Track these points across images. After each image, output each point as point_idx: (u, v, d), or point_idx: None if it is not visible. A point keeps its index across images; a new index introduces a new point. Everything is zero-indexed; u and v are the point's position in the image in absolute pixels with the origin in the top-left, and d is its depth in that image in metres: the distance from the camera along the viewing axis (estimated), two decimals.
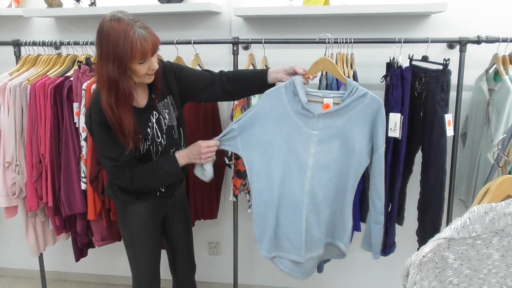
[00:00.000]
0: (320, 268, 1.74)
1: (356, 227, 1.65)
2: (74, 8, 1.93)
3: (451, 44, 1.80)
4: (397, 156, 1.61)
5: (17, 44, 1.90)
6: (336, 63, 1.66)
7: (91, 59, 1.78)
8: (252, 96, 1.69)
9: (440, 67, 1.57)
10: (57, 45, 1.88)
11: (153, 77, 1.29)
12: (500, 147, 0.93)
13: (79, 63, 1.73)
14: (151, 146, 1.35)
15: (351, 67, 1.66)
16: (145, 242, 1.41)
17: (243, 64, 1.82)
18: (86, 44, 1.80)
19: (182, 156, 1.38)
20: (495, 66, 1.65)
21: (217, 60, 1.98)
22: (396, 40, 1.62)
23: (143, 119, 1.32)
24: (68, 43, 1.82)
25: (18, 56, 1.91)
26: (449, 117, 1.54)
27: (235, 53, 1.77)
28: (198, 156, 1.37)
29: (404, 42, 1.61)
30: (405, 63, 1.60)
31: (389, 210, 1.70)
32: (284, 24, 1.92)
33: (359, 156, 1.36)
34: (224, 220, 2.15)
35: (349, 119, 1.34)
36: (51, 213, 1.78)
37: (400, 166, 1.62)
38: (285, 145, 1.39)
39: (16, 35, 2.06)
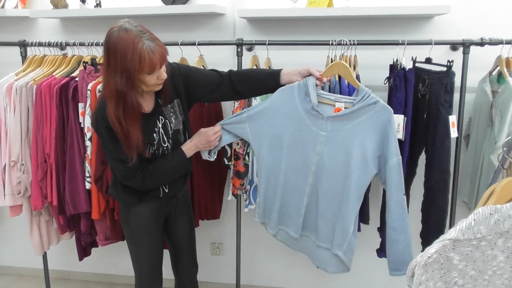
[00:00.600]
0: None
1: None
2: (80, 9, 1.94)
3: (454, 46, 1.81)
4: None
5: (23, 45, 1.91)
6: None
7: (97, 59, 1.80)
8: (253, 98, 1.70)
9: (444, 68, 1.58)
10: (62, 46, 1.89)
11: (161, 85, 1.29)
12: (505, 149, 0.94)
13: (84, 64, 1.74)
14: (156, 151, 1.35)
15: (354, 69, 1.67)
16: (147, 242, 1.42)
17: (247, 65, 1.83)
18: (92, 45, 1.81)
19: (190, 148, 1.40)
20: (498, 68, 1.65)
21: (221, 61, 1.99)
22: (400, 42, 1.63)
23: (149, 125, 1.32)
24: (74, 44, 1.83)
25: (24, 56, 1.93)
26: (453, 119, 1.55)
27: (239, 55, 1.78)
28: (208, 144, 1.42)
29: (408, 44, 1.62)
30: (408, 65, 1.60)
31: None
32: (287, 25, 1.93)
33: (364, 162, 1.37)
34: (227, 220, 2.15)
35: (358, 125, 1.36)
36: (56, 212, 1.79)
37: (403, 167, 1.62)
38: (294, 140, 1.44)
39: (22, 36, 2.08)
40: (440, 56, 1.78)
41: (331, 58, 1.70)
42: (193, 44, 1.77)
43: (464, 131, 1.81)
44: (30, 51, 1.94)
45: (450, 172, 1.60)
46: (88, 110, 1.69)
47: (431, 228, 1.68)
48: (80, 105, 1.72)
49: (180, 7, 1.85)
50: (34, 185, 1.77)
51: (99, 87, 1.66)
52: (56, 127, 1.73)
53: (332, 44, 1.65)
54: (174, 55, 1.77)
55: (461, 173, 1.77)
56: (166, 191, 1.42)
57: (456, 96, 1.62)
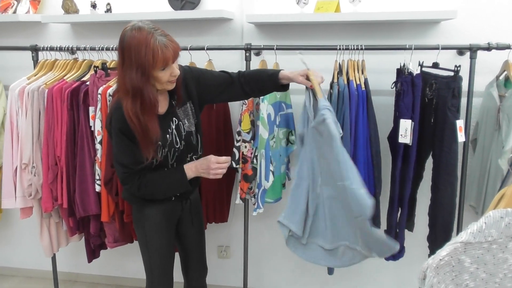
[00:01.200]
0: (330, 270, 1.75)
1: None
2: (91, 14, 1.97)
3: (461, 51, 1.81)
4: (407, 162, 1.62)
5: (35, 49, 1.95)
6: (347, 70, 1.69)
7: (107, 64, 1.83)
8: (261, 101, 1.72)
9: (451, 73, 1.59)
10: (73, 50, 1.92)
11: (175, 83, 1.31)
12: None
13: (95, 68, 1.77)
14: (168, 153, 1.37)
15: (362, 73, 1.68)
16: (160, 244, 1.43)
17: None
18: (102, 49, 1.84)
19: (191, 169, 1.38)
20: (505, 72, 1.66)
21: (229, 65, 2.01)
22: (407, 46, 1.64)
23: (163, 126, 1.34)
24: (85, 49, 1.86)
25: (35, 60, 1.96)
26: (460, 123, 1.56)
27: (248, 59, 1.80)
28: (207, 171, 1.37)
29: (415, 48, 1.63)
30: (415, 70, 1.62)
31: (399, 215, 1.71)
32: (295, 30, 1.95)
33: None
34: (234, 223, 2.17)
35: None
36: (66, 214, 1.82)
37: (410, 172, 1.63)
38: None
39: (33, 40, 2.12)
40: (447, 60, 1.79)
41: (339, 63, 1.72)
42: (202, 48, 1.79)
43: (471, 135, 1.81)
44: (41, 55, 1.97)
45: (457, 176, 1.60)
46: (98, 113, 1.72)
47: (438, 232, 1.68)
48: (91, 108, 1.75)
49: (190, 13, 1.88)
50: (44, 187, 1.79)
51: (110, 91, 1.69)
52: (67, 130, 1.76)
53: (340, 49, 1.67)
54: (183, 59, 1.79)
55: (468, 177, 1.77)
56: (178, 194, 1.44)
57: (463, 100, 1.63)
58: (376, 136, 1.63)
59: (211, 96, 1.48)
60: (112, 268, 2.35)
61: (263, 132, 1.72)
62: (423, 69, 1.69)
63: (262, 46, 1.78)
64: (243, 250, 1.98)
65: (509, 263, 0.74)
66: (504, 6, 1.78)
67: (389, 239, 1.37)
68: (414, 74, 1.57)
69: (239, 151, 1.76)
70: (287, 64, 1.89)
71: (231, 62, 2.02)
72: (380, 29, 1.88)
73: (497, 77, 1.71)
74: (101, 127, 1.72)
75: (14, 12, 2.16)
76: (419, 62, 1.70)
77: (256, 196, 1.79)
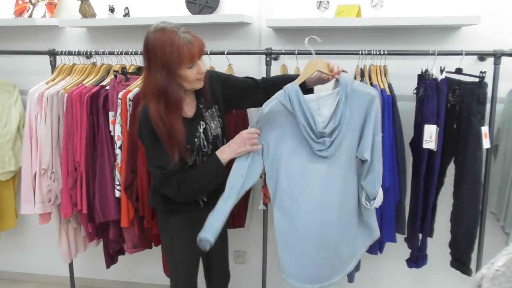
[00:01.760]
0: (351, 278, 1.74)
1: (391, 238, 1.65)
2: (109, 18, 1.96)
3: (481, 56, 1.81)
4: (432, 168, 1.61)
5: (53, 54, 1.93)
6: (370, 74, 1.68)
7: (126, 68, 1.82)
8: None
9: (474, 79, 1.58)
10: (92, 54, 1.91)
11: (202, 82, 1.31)
12: None
13: (115, 73, 1.76)
14: (197, 157, 1.36)
15: (385, 78, 1.67)
16: (185, 252, 1.42)
17: (275, 74, 1.84)
18: (121, 54, 1.83)
19: (224, 151, 1.33)
20: None
21: (245, 70, 1.99)
22: (430, 52, 1.63)
23: (191, 129, 1.33)
24: (103, 53, 1.85)
25: (53, 65, 1.95)
26: (485, 130, 1.55)
27: (268, 64, 1.80)
28: (243, 142, 1.31)
29: (438, 54, 1.63)
30: (439, 75, 1.61)
31: (422, 222, 1.69)
32: (314, 35, 1.93)
33: None
34: (251, 229, 2.15)
35: None
36: (85, 220, 1.80)
37: (434, 178, 1.62)
38: None
39: (49, 45, 2.10)
40: (467, 66, 1.77)
41: (361, 68, 1.71)
42: (222, 53, 1.78)
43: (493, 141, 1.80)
44: (58, 60, 1.96)
45: (481, 183, 1.59)
46: (118, 118, 1.71)
47: (461, 239, 1.67)
48: (111, 113, 1.74)
49: (210, 17, 1.87)
50: (64, 193, 1.78)
51: (130, 95, 1.68)
52: (86, 135, 1.75)
53: (362, 54, 1.66)
54: None
55: (489, 184, 1.76)
56: (205, 200, 1.42)
57: (487, 106, 1.61)
58: (401, 142, 1.62)
59: (237, 100, 1.48)
60: (128, 273, 2.34)
61: None
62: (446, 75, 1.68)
63: (283, 51, 1.77)
64: (261, 255, 1.96)
65: None
66: None
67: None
68: (439, 80, 1.56)
69: None
70: None
71: (247, 67, 2.01)
72: (399, 34, 1.87)
73: None
74: (121, 132, 1.71)
75: (30, 16, 2.15)
76: (441, 67, 1.69)
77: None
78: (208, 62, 1.82)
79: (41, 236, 2.38)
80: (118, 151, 1.72)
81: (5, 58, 2.23)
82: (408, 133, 1.74)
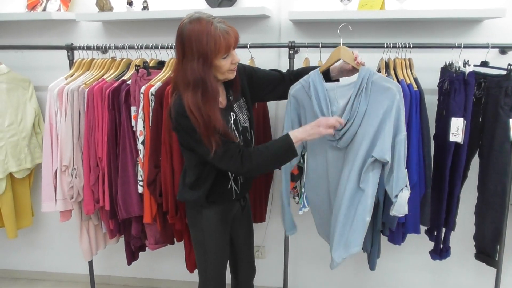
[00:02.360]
0: (372, 265, 1.73)
1: (415, 229, 1.65)
2: (127, 12, 1.93)
3: (503, 50, 1.80)
4: (458, 161, 1.61)
5: (70, 48, 1.90)
6: (395, 68, 1.67)
7: (148, 62, 1.79)
8: None
9: (500, 72, 1.58)
10: (109, 49, 1.88)
11: (235, 72, 1.30)
12: None
13: (136, 67, 1.73)
14: None
15: (411, 72, 1.66)
16: (216, 245, 1.41)
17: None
18: (141, 48, 1.80)
19: (297, 130, 1.29)
20: None
21: (264, 63, 1.96)
22: (456, 45, 1.62)
23: (224, 120, 1.31)
24: (123, 47, 1.82)
25: (71, 60, 1.91)
26: None
27: (291, 57, 1.78)
28: (317, 124, 1.27)
29: (464, 47, 1.62)
30: (466, 68, 1.60)
31: (447, 215, 1.69)
32: (335, 28, 1.92)
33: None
34: (270, 223, 2.14)
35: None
36: (106, 216, 1.78)
37: (460, 171, 1.62)
38: None
39: (64, 39, 2.07)
40: (489, 59, 1.77)
41: (385, 61, 1.70)
42: (245, 46, 1.76)
43: None
44: (77, 54, 1.93)
45: (509, 175, 1.59)
46: (140, 113, 1.68)
47: (487, 232, 1.68)
48: (133, 108, 1.71)
49: (231, 10, 1.85)
50: (86, 189, 1.75)
51: (152, 90, 1.66)
52: (108, 131, 1.72)
53: (387, 47, 1.65)
54: None
55: None
56: (238, 191, 1.41)
57: None
58: (428, 136, 1.61)
59: (263, 93, 1.47)
60: (146, 269, 2.32)
61: None
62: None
63: (306, 44, 1.76)
64: (280, 250, 1.96)
65: None
66: None
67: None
68: (467, 73, 1.56)
69: None
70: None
71: (266, 61, 1.99)
72: (422, 27, 1.86)
73: None
74: (143, 127, 1.69)
75: (44, 9, 2.11)
76: (464, 60, 1.68)
77: (301, 195, 1.77)
78: None
79: (57, 234, 2.35)
80: (140, 147, 1.70)
81: (18, 53, 2.19)
82: (431, 126, 1.73)
